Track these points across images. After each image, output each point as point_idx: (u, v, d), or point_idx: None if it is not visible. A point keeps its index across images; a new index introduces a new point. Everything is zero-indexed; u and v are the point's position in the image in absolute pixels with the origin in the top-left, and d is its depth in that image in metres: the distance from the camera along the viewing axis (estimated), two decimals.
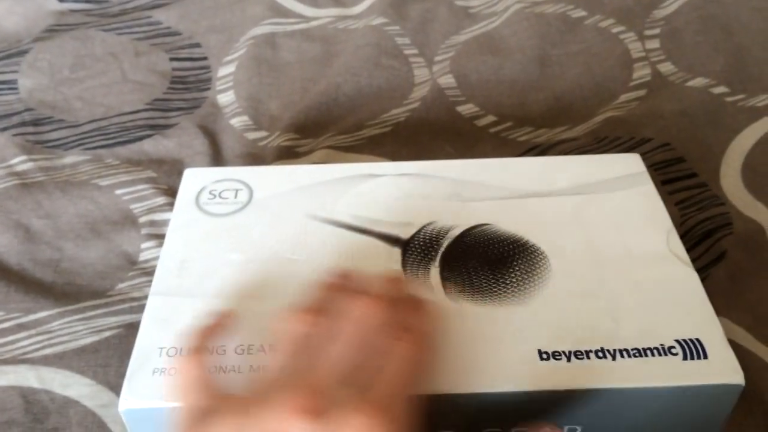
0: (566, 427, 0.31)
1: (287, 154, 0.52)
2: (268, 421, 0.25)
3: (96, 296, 0.42)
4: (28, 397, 0.37)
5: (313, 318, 0.29)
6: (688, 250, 0.43)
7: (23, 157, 0.51)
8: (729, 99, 0.55)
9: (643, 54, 0.59)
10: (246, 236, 0.36)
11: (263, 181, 0.39)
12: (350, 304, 0.29)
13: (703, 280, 0.34)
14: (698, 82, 0.57)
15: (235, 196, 0.38)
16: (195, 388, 0.28)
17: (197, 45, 0.62)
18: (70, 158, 0.51)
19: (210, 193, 0.39)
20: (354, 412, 0.25)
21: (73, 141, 0.53)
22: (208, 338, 0.30)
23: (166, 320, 0.32)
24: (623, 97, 0.56)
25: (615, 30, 0.62)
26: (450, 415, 0.30)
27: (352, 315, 0.29)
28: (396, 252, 0.35)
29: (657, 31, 0.62)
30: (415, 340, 0.29)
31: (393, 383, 0.27)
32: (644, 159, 0.41)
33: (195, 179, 0.40)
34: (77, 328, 0.40)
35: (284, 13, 0.65)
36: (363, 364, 0.28)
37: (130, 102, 0.56)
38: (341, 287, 0.31)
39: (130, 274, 0.44)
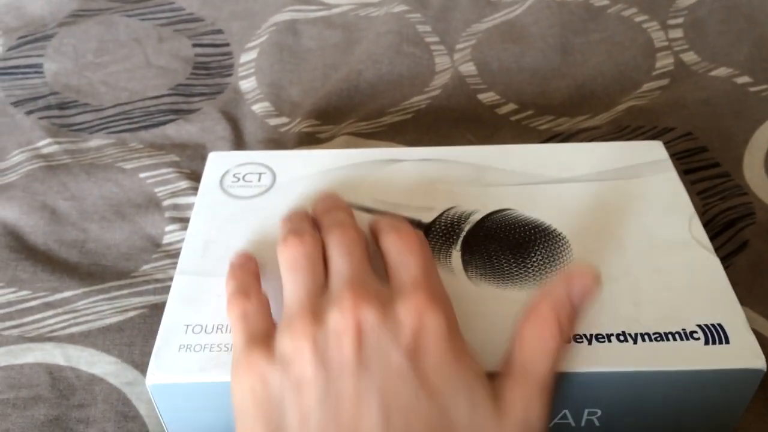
0: (586, 410, 0.31)
1: (308, 141, 0.52)
2: (332, 322, 0.26)
3: (121, 277, 0.43)
4: (54, 374, 0.38)
5: (298, 238, 0.30)
6: (711, 240, 0.43)
7: (49, 140, 0.52)
8: (753, 89, 0.55)
9: (666, 43, 0.59)
10: (269, 219, 0.36)
11: (286, 165, 0.40)
12: (328, 217, 0.32)
13: (725, 269, 0.34)
14: (721, 71, 0.56)
15: (259, 180, 0.39)
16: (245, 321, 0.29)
17: (220, 31, 0.62)
18: (95, 141, 0.52)
19: (234, 176, 0.39)
20: (412, 296, 0.26)
21: (98, 125, 0.53)
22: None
23: (192, 298, 0.32)
24: (646, 86, 0.56)
25: (638, 19, 0.61)
26: None
27: (336, 227, 0.31)
28: None
29: (680, 20, 0.61)
30: (411, 233, 0.30)
31: (424, 272, 0.28)
32: (667, 148, 0.41)
33: (219, 162, 0.40)
34: (102, 308, 0.41)
35: (306, 0, 0.65)
36: (376, 267, 0.29)
37: (154, 87, 0.57)
38: (307, 215, 0.34)
39: (154, 256, 0.44)
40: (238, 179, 0.39)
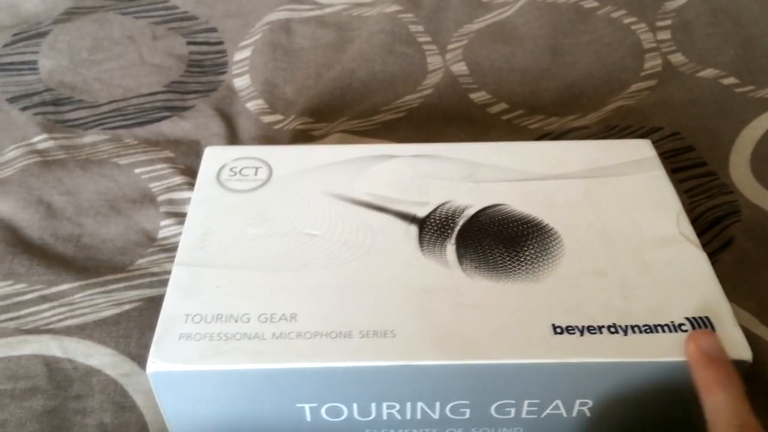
0: (578, 401, 0.31)
1: (302, 138, 0.53)
2: None
3: (116, 271, 0.43)
4: (51, 365, 0.38)
5: None
6: (697, 236, 0.44)
7: (44, 136, 0.52)
8: (738, 90, 0.56)
9: (655, 45, 0.60)
10: (266, 211, 0.37)
11: (282, 159, 0.40)
12: None
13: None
14: (708, 72, 0.57)
15: (256, 174, 0.39)
16: None
17: (213, 29, 0.63)
18: (90, 137, 0.52)
19: (231, 170, 0.40)
20: None
21: (93, 121, 0.54)
22: None
23: (190, 289, 0.33)
24: (634, 87, 0.57)
25: (627, 21, 0.62)
26: (466, 385, 0.31)
27: None
28: (413, 229, 0.36)
29: (668, 22, 0.62)
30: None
31: None
32: (654, 147, 0.42)
33: (216, 157, 0.41)
34: (98, 301, 0.41)
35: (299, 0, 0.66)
36: None
37: (148, 84, 0.57)
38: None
39: (150, 250, 0.44)
40: (235, 173, 0.39)
